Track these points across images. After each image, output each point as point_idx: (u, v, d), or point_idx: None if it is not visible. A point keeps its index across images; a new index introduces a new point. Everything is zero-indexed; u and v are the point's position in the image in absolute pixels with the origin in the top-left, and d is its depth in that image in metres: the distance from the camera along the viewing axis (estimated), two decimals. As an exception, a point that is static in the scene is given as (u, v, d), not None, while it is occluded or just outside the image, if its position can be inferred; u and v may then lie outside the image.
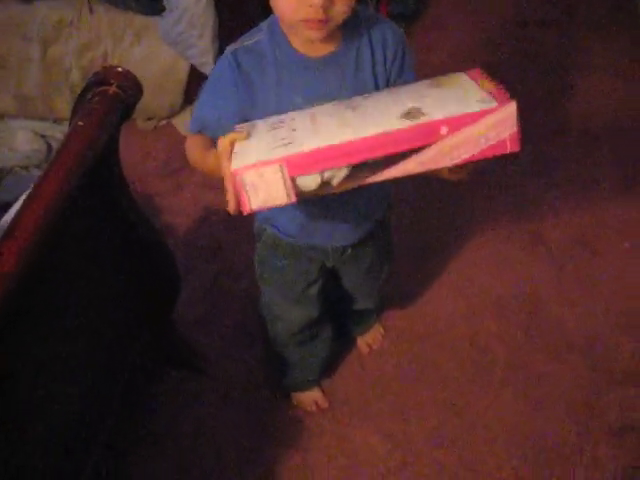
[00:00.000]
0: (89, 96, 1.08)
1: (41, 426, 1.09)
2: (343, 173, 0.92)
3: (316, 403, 1.65)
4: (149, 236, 1.32)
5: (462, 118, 0.86)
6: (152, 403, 1.65)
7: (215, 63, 1.17)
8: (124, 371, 1.39)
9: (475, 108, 0.87)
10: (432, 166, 0.90)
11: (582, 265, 1.94)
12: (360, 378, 1.72)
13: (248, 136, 0.99)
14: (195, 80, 2.30)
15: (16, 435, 1.01)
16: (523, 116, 0.85)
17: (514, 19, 2.88)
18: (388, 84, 1.13)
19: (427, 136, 0.87)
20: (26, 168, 2.23)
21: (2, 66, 2.38)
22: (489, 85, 0.94)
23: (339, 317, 1.65)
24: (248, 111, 1.09)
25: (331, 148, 0.90)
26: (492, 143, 0.88)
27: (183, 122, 2.43)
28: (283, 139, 0.96)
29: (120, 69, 1.09)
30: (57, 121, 2.44)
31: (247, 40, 1.10)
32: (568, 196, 2.13)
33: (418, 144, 0.87)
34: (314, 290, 1.38)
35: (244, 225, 1.41)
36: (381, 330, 1.78)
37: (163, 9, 2.20)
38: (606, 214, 2.07)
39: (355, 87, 1.09)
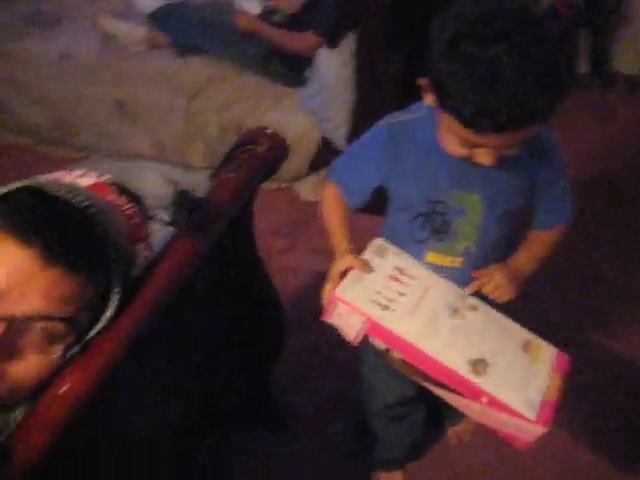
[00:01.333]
0: (238, 152, 1.15)
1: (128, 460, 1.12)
2: None
3: (398, 485, 1.63)
4: (266, 292, 1.37)
5: (503, 405, 1.03)
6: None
7: (347, 139, 1.26)
8: (217, 420, 1.42)
9: (519, 404, 1.03)
10: (463, 409, 1.09)
11: None
12: (445, 469, 1.69)
13: (364, 270, 1.15)
14: (323, 151, 2.41)
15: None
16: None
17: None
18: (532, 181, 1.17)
19: (471, 393, 1.04)
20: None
21: (148, 112, 2.57)
22: (554, 387, 1.08)
23: (433, 404, 1.62)
24: (389, 181, 1.16)
25: (408, 345, 1.07)
26: (511, 433, 1.06)
27: (304, 188, 2.53)
28: (388, 300, 1.12)
29: (270, 131, 1.15)
30: (188, 169, 2.60)
31: (404, 116, 1.14)
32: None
33: (463, 392, 1.05)
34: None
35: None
36: (472, 423, 1.74)
37: (305, 81, 2.33)
38: None
39: (499, 185, 1.11)
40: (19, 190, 0.82)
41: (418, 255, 1.20)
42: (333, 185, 1.25)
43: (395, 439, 1.56)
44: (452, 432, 1.73)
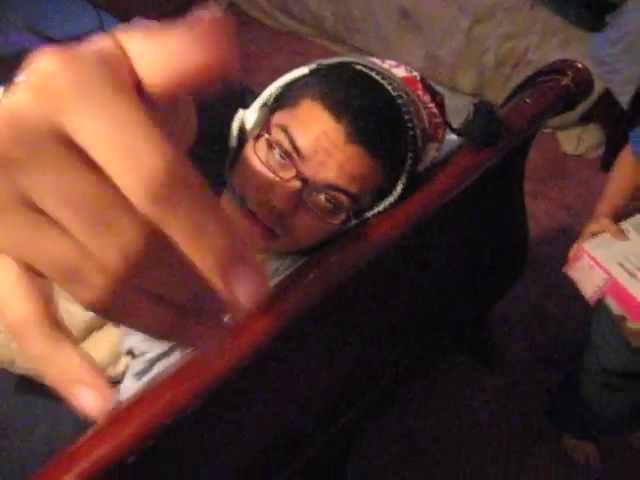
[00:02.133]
0: (542, 79, 1.11)
1: (310, 390, 1.17)
2: None
3: (587, 457, 1.58)
4: (520, 218, 1.35)
5: None
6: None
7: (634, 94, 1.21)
8: (434, 334, 1.45)
9: None
10: None
11: None
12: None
13: (618, 237, 1.18)
14: (599, 105, 2.27)
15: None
16: None
17: None
18: None
19: None
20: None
21: (430, 25, 2.56)
22: None
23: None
24: None
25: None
26: None
27: (567, 138, 2.42)
28: (636, 267, 1.14)
29: (580, 65, 1.10)
30: (454, 92, 2.58)
31: None
32: None
33: None
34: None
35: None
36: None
37: (602, 27, 2.18)
38: None
39: None
40: (340, 64, 0.86)
41: None
42: (628, 150, 1.23)
43: (601, 408, 1.47)
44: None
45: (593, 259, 1.17)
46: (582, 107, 2.29)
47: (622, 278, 1.13)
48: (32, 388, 0.94)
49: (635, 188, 1.24)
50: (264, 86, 0.89)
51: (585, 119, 2.37)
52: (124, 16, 1.97)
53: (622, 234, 1.18)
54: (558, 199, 2.21)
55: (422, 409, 1.69)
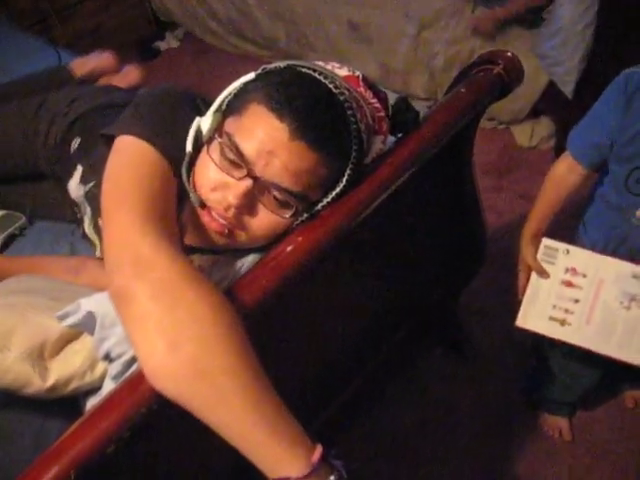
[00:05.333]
0: (473, 71, 1.18)
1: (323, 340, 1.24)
2: None
3: (560, 431, 1.65)
4: (473, 204, 1.42)
5: None
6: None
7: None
8: (403, 324, 1.50)
9: None
10: None
11: None
12: (614, 429, 1.67)
13: (540, 276, 1.30)
14: (546, 97, 2.36)
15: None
16: None
17: None
18: None
19: None
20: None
21: (379, 36, 2.65)
22: None
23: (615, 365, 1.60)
24: (615, 139, 1.15)
25: (587, 349, 1.29)
26: None
27: (520, 132, 2.50)
28: (564, 311, 1.29)
29: (510, 54, 1.17)
30: (409, 98, 2.65)
31: None
32: None
33: None
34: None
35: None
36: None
37: (541, 23, 2.28)
38: None
39: None
40: (284, 68, 0.92)
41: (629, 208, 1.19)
42: (566, 156, 1.27)
43: (570, 382, 1.54)
44: (629, 395, 1.70)
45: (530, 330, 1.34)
46: (531, 100, 2.38)
47: (558, 334, 1.30)
48: (16, 401, 0.97)
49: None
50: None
51: (536, 112, 2.46)
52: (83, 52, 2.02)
53: (544, 271, 1.30)
54: (517, 189, 2.29)
55: (403, 404, 1.74)
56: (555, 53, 2.17)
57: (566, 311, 1.29)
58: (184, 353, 0.70)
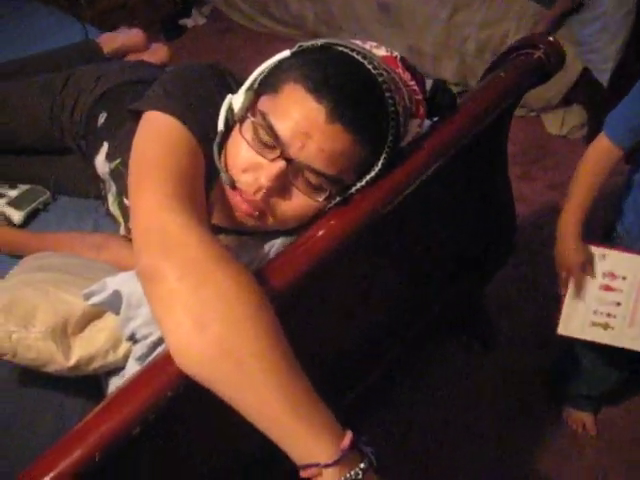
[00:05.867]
0: (513, 55, 1.14)
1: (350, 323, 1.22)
2: None
3: (584, 426, 1.62)
4: (505, 193, 1.41)
5: None
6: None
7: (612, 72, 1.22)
8: (429, 312, 1.47)
9: None
10: None
11: None
12: (637, 424, 1.65)
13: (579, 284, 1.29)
14: (579, 85, 2.30)
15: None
16: None
17: None
18: None
19: None
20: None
21: (410, 18, 2.60)
22: None
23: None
24: None
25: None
26: None
27: (551, 120, 2.45)
28: (606, 315, 1.27)
29: (552, 38, 1.14)
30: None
31: None
32: None
33: None
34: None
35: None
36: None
37: (579, 9, 2.21)
38: None
39: None
40: (321, 46, 0.89)
41: None
42: (601, 140, 1.23)
43: (600, 378, 1.52)
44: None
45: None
46: (564, 88, 2.33)
47: (602, 340, 1.29)
48: (36, 380, 0.96)
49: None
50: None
51: (568, 101, 2.41)
52: (109, 29, 2.00)
53: (583, 276, 1.28)
54: (546, 179, 2.24)
55: (426, 393, 1.72)
56: (593, 39, 2.11)
57: (608, 315, 1.28)
58: (210, 333, 0.68)
